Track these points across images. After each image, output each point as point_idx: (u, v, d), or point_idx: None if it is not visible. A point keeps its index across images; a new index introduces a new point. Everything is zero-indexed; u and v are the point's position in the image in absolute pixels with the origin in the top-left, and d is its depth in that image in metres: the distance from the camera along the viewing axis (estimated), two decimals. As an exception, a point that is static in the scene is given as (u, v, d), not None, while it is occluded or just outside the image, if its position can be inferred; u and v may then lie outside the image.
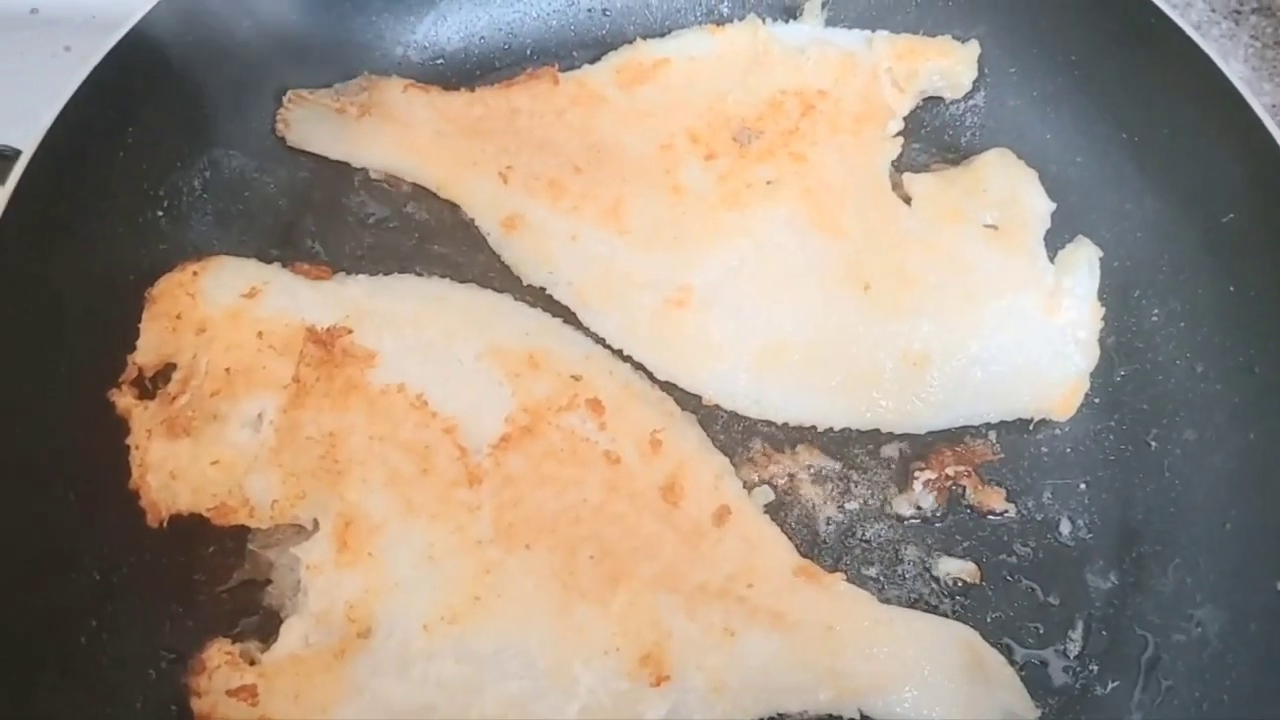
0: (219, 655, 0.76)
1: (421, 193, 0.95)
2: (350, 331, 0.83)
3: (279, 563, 0.82)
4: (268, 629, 0.79)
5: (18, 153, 0.83)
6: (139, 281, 0.85)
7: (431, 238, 0.94)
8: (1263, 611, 0.76)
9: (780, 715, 0.80)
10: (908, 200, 0.90)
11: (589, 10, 1.03)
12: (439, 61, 1.00)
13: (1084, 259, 0.87)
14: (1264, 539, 0.79)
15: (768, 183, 0.89)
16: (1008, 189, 0.90)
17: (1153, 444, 0.87)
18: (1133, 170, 0.91)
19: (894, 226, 0.88)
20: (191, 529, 0.81)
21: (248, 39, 0.93)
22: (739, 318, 0.86)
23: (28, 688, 0.71)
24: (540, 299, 0.90)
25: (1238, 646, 0.77)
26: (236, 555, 0.82)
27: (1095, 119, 0.92)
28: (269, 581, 0.82)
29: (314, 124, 0.94)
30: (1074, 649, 0.83)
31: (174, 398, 0.81)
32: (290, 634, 0.77)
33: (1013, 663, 0.81)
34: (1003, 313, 0.85)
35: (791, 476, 0.87)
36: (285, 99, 0.94)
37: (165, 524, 0.79)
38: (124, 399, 0.81)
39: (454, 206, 0.94)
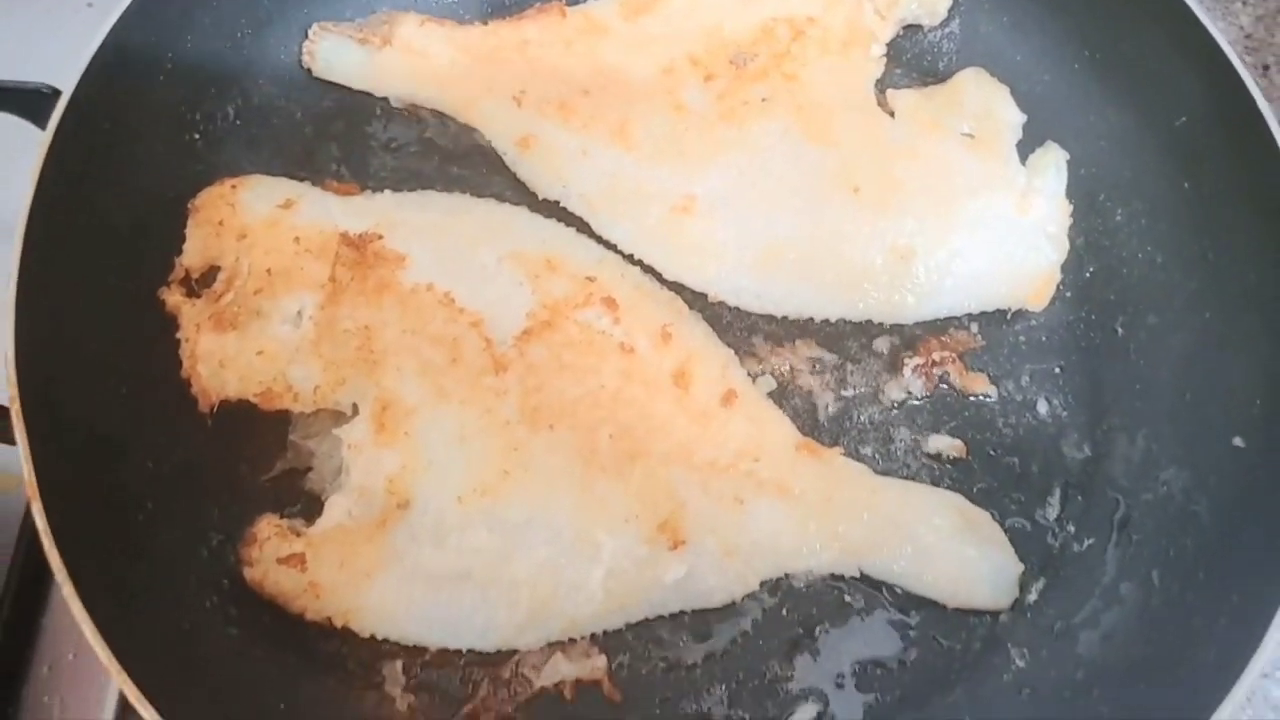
0: (269, 528, 0.83)
1: (440, 119, 1.02)
2: (381, 237, 0.91)
3: (319, 451, 0.89)
4: (311, 513, 0.86)
5: (58, 92, 0.90)
6: (181, 195, 0.92)
7: (451, 160, 1.01)
8: (1220, 465, 0.85)
9: (787, 575, 0.88)
10: (892, 114, 0.99)
11: (593, -51, 1.11)
12: (454, -2, 1.07)
13: (1052, 161, 0.96)
14: (1219, 404, 0.87)
15: (763, 100, 0.97)
16: (982, 102, 0.99)
17: (1120, 330, 0.96)
18: (1096, 85, 1.00)
19: (879, 136, 0.96)
20: (236, 424, 0.88)
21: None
22: (740, 222, 0.94)
23: (96, 559, 0.77)
24: (555, 211, 0.98)
25: (1200, 499, 0.85)
26: (279, 446, 0.89)
27: (1061, 40, 1.01)
28: (310, 469, 0.88)
29: (338, 56, 1.01)
30: (1053, 513, 0.91)
31: (219, 296, 0.87)
32: (334, 508, 0.84)
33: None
34: (979, 211, 0.94)
35: (792, 368, 0.95)
36: (310, 31, 1.01)
37: (214, 410, 0.86)
38: (173, 297, 0.87)
39: (471, 131, 1.01)
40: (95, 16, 1.11)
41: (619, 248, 0.96)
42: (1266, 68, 1.21)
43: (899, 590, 0.88)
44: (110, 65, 0.89)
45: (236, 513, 0.86)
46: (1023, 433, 0.93)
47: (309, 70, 1.01)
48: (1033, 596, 0.88)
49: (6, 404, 0.76)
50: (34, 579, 0.89)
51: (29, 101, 0.98)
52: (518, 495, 0.84)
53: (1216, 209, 0.92)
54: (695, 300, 0.95)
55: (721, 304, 0.95)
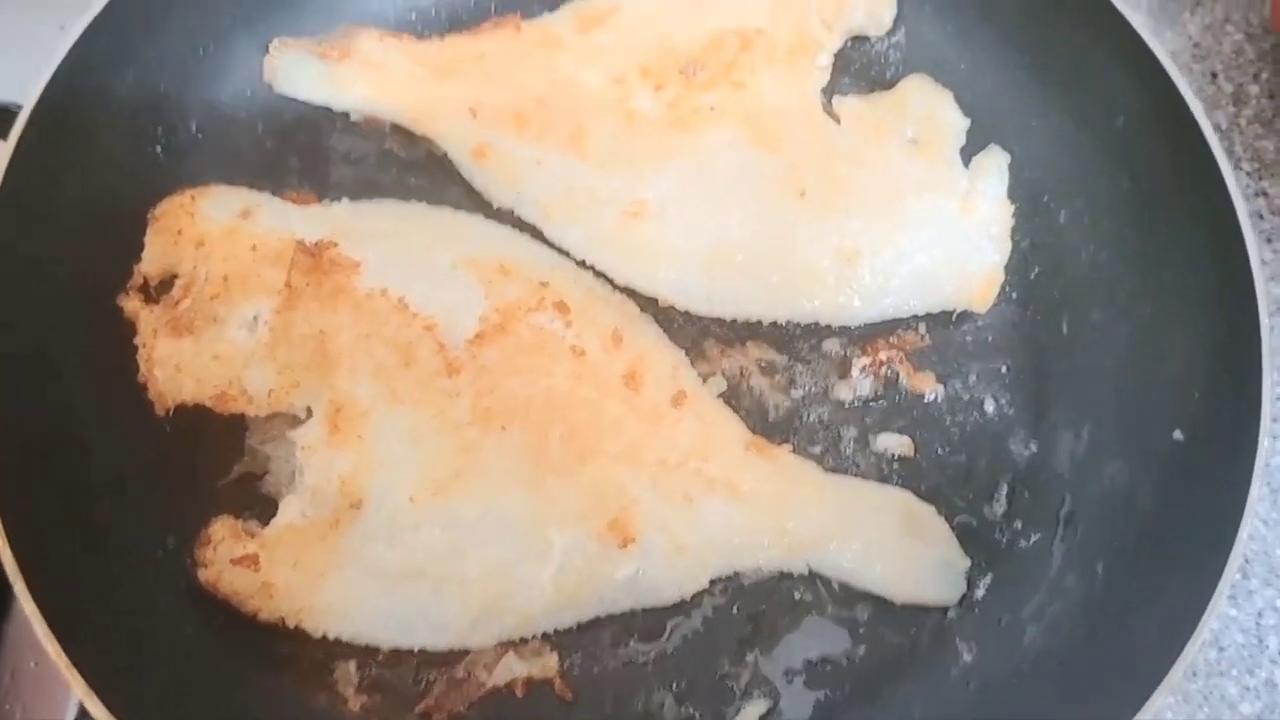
0: (223, 530, 0.86)
1: (398, 131, 1.06)
2: (336, 244, 0.94)
3: (275, 455, 0.92)
4: (267, 515, 0.89)
5: (19, 106, 0.93)
6: (141, 206, 0.96)
7: (408, 170, 1.05)
8: (1161, 457, 0.88)
9: (737, 572, 0.90)
10: (838, 121, 1.03)
11: (548, -32, 1.15)
12: (411, 14, 1.11)
13: (994, 164, 1.00)
14: (1160, 396, 0.90)
15: (711, 108, 1.01)
16: (926, 107, 1.03)
17: (1065, 328, 0.99)
18: (1037, 90, 1.04)
19: (825, 141, 1.00)
20: (193, 429, 0.91)
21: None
22: (689, 226, 0.98)
23: (50, 559, 0.80)
24: (509, 219, 1.01)
25: (1143, 490, 0.88)
26: (235, 450, 0.92)
27: (1003, 47, 1.05)
28: (266, 473, 0.92)
29: (298, 70, 1.05)
30: (1000, 510, 0.94)
31: (177, 302, 0.91)
32: (288, 509, 0.87)
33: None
34: (923, 212, 0.97)
35: (742, 369, 0.98)
36: (271, 46, 1.05)
37: (170, 414, 0.89)
38: (131, 303, 0.91)
39: (428, 141, 1.05)
40: (66, 39, 1.15)
41: (572, 253, 0.99)
42: (1214, 75, 1.26)
43: (848, 586, 0.90)
44: (72, 79, 0.93)
45: (193, 515, 0.89)
46: (970, 430, 0.97)
47: (270, 84, 1.05)
48: (980, 592, 0.91)
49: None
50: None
51: (-8, 118, 1.02)
52: (470, 494, 0.87)
53: (1155, 206, 0.95)
54: (647, 304, 0.99)
55: (672, 307, 0.99)
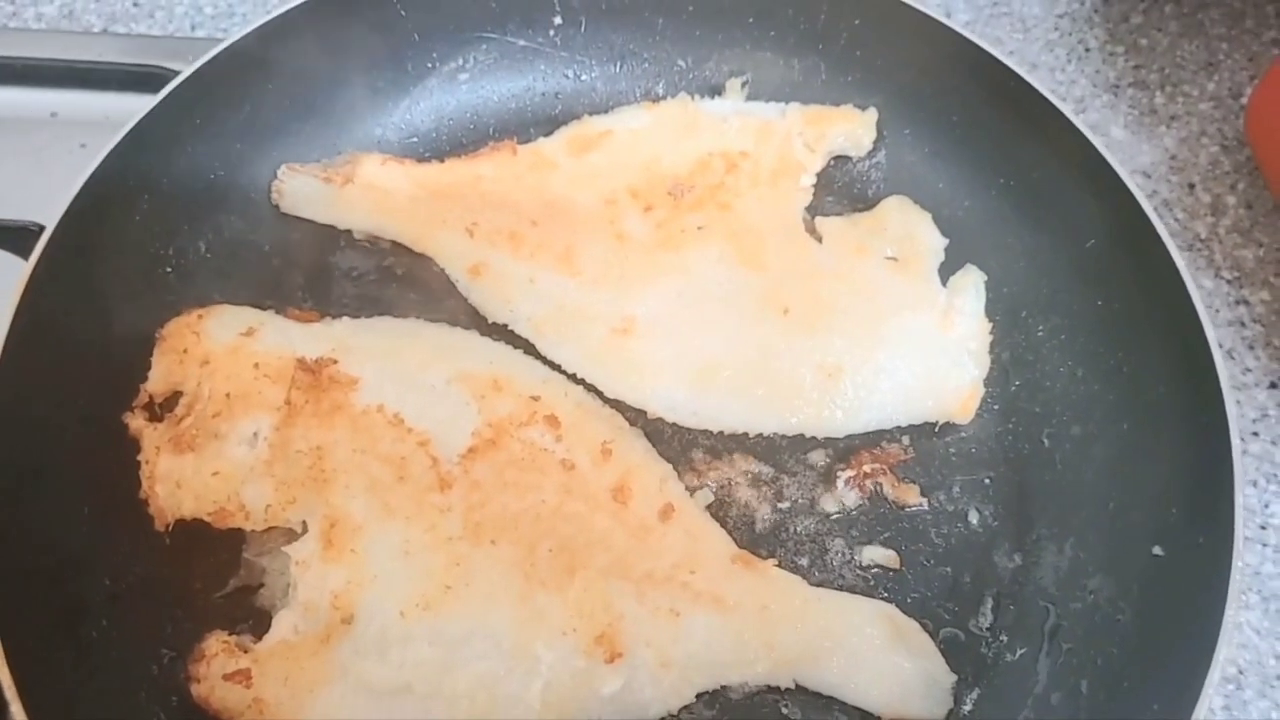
0: (216, 645, 0.89)
1: (398, 249, 1.12)
2: (336, 361, 0.99)
3: (271, 568, 0.95)
4: (260, 629, 0.92)
5: (42, 227, 1.00)
6: (150, 325, 1.01)
7: (408, 286, 1.11)
8: (1143, 574, 0.91)
9: (723, 688, 0.92)
10: (820, 239, 1.09)
11: (542, 95, 1.23)
12: (413, 139, 1.19)
13: (971, 283, 1.06)
14: (1140, 512, 0.93)
15: (699, 228, 1.08)
16: (905, 227, 1.09)
17: (1046, 441, 1.02)
18: (1011, 210, 1.10)
19: (808, 260, 1.06)
20: (191, 542, 0.95)
21: (247, 124, 1.12)
22: (677, 342, 1.03)
23: (47, 677, 0.83)
24: (503, 334, 1.07)
25: (1125, 607, 0.91)
26: (232, 564, 0.95)
27: (978, 169, 1.12)
28: (261, 586, 0.95)
29: (304, 193, 1.12)
30: (985, 623, 0.96)
31: (180, 419, 0.96)
32: (281, 624, 0.90)
33: (931, 638, 0.94)
34: (904, 329, 1.02)
35: (729, 481, 1.02)
36: (279, 171, 1.12)
37: (170, 529, 0.93)
38: (136, 421, 0.96)
39: (427, 259, 1.11)
40: (86, 157, 1.22)
41: (563, 368, 1.04)
42: (1192, 186, 1.32)
43: (835, 701, 0.92)
44: (91, 203, 0.99)
45: (189, 629, 0.92)
46: (955, 543, 0.99)
47: (277, 206, 1.12)
48: (968, 706, 0.93)
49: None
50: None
51: (15, 236, 1.09)
52: (459, 609, 0.90)
53: (1127, 325, 1.00)
54: (635, 417, 1.03)
55: (660, 420, 1.03)
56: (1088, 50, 1.45)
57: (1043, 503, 1.00)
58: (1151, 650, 0.87)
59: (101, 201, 1.01)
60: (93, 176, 1.00)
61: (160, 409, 0.98)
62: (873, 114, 1.16)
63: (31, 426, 0.91)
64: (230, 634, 0.90)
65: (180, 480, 0.93)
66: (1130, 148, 1.37)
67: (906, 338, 1.02)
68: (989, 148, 1.11)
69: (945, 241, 1.09)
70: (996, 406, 1.05)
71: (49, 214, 0.98)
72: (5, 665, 0.79)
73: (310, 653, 0.88)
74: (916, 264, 1.06)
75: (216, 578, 0.94)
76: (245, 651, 0.89)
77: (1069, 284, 1.05)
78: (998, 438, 1.04)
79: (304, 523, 0.93)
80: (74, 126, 1.40)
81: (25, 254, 1.00)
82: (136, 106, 1.07)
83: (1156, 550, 0.91)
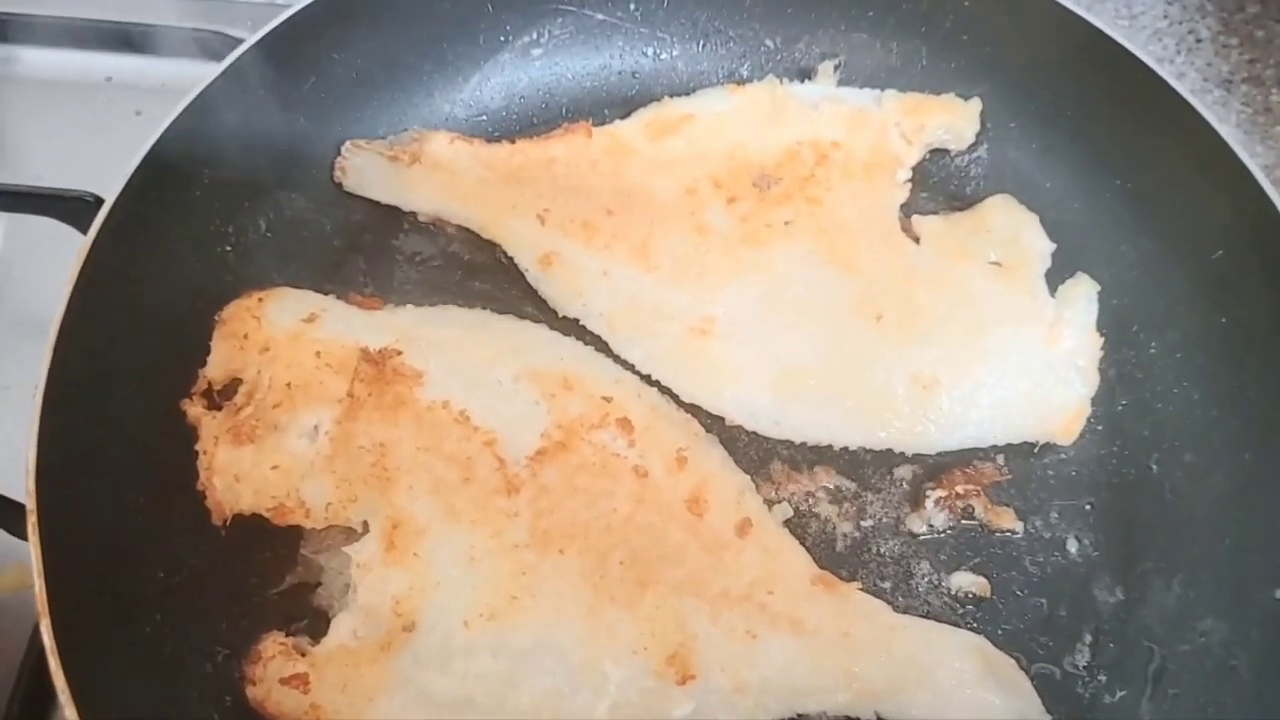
0: (273, 646, 0.87)
1: (465, 234, 1.08)
2: (400, 353, 0.96)
3: (329, 567, 0.92)
4: (317, 629, 0.89)
5: (101, 201, 0.97)
6: (209, 307, 0.98)
7: (473, 274, 1.07)
8: (1264, 619, 0.85)
9: (800, 715, 0.88)
10: (917, 240, 1.03)
11: (619, 73, 1.18)
12: (482, 117, 1.15)
13: (1083, 293, 0.99)
14: (1261, 552, 0.88)
15: (785, 223, 1.02)
16: (1010, 230, 1.02)
17: (1154, 467, 0.97)
18: (1127, 214, 1.03)
19: (903, 263, 1.00)
20: (248, 536, 0.92)
21: (312, 97, 1.08)
22: (759, 345, 0.98)
23: (98, 672, 0.81)
24: (574, 329, 1.03)
25: (1241, 654, 0.85)
26: (289, 560, 0.93)
27: (1091, 168, 1.05)
28: (319, 584, 0.92)
29: (368, 171, 1.08)
30: (1082, 660, 0.91)
31: (239, 409, 0.93)
32: (340, 628, 0.87)
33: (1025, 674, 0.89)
34: (1006, 341, 0.96)
35: (809, 495, 0.97)
36: (343, 148, 1.08)
37: (227, 524, 0.90)
38: (194, 408, 0.93)
39: (494, 246, 1.07)
40: (142, 125, 1.19)
41: (637, 368, 1.00)
42: (1314, 191, 1.23)
43: (918, 737, 0.88)
44: (151, 178, 0.96)
45: (244, 627, 0.89)
46: (1051, 572, 0.94)
47: (340, 184, 1.08)
48: (1061, 750, 0.88)
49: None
50: (39, 697, 0.93)
51: (72, 208, 1.06)
52: (525, 621, 0.87)
53: (1255, 345, 0.94)
54: (712, 423, 0.99)
55: (739, 428, 0.98)
56: (1199, 41, 1.37)
57: (1149, 534, 0.94)
58: (1271, 702, 0.82)
59: (162, 175, 0.97)
60: (153, 149, 0.97)
61: (219, 397, 0.95)
62: (976, 104, 1.09)
63: (86, 410, 0.89)
64: (286, 634, 0.88)
65: (239, 473, 0.90)
66: (1244, 146, 1.28)
67: (1009, 350, 0.96)
68: (1106, 145, 1.04)
69: (1053, 246, 1.02)
70: (1100, 427, 0.99)
71: (106, 185, 0.95)
72: (56, 658, 0.77)
73: (370, 659, 0.85)
74: (1022, 270, 1.00)
75: (273, 573, 0.92)
76: (303, 655, 0.86)
77: (1189, 297, 0.98)
78: (1100, 461, 0.98)
79: (365, 523, 0.90)
80: (130, 91, 1.38)
81: (81, 226, 0.98)
82: (195, 73, 1.04)
83: (1279, 594, 0.85)
